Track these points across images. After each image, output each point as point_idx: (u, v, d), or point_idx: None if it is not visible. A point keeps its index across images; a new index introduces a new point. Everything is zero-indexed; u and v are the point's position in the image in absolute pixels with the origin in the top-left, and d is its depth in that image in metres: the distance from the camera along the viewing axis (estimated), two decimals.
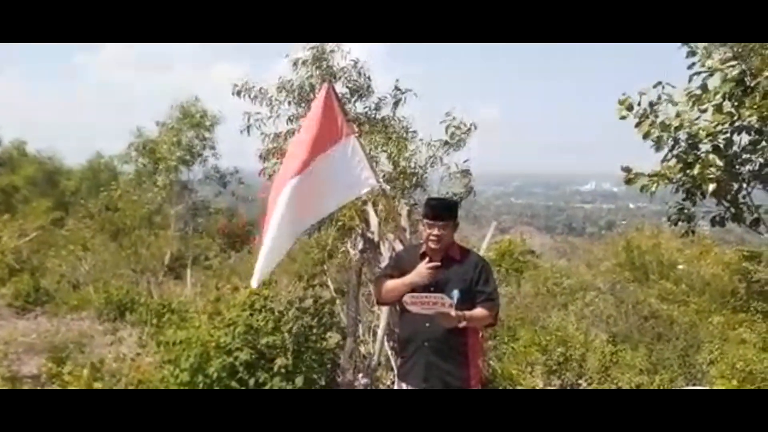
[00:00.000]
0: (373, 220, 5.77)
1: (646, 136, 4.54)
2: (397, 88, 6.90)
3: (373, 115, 6.94)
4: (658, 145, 4.54)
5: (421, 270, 3.48)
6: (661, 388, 7.38)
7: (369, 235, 5.80)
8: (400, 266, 3.73)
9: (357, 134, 4.45)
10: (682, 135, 4.44)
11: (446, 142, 6.07)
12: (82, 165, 22.39)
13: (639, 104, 4.60)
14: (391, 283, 3.64)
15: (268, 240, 4.08)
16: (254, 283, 4.17)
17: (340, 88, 6.86)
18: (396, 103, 6.87)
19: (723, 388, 6.47)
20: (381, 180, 5.23)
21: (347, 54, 7.03)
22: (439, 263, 3.49)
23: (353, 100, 7.05)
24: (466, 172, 6.11)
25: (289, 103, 6.99)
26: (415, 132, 6.77)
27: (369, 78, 7.09)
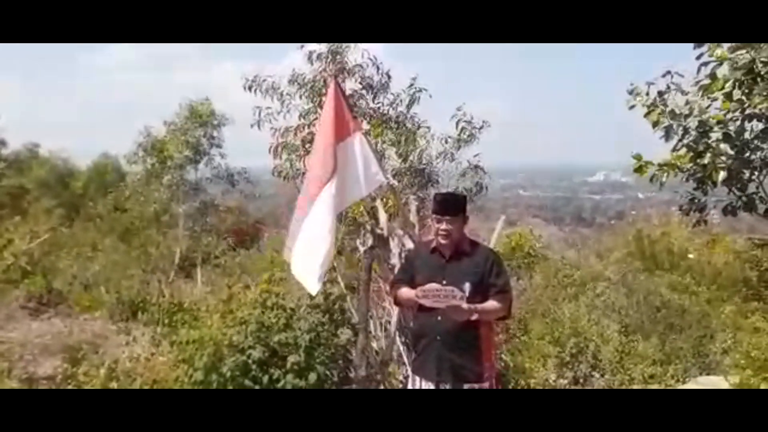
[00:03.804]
0: (382, 216, 5.77)
1: (655, 124, 4.50)
2: (412, 86, 6.80)
3: (386, 111, 6.82)
4: (667, 134, 4.50)
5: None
6: (675, 378, 7.35)
7: (378, 231, 5.80)
8: (411, 267, 3.74)
9: (363, 131, 4.45)
10: (692, 123, 4.39)
11: (457, 138, 5.98)
12: (89, 166, 22.45)
13: (647, 94, 4.56)
14: (403, 293, 3.65)
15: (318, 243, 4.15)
16: (314, 289, 4.29)
17: (353, 84, 6.76)
18: (411, 100, 6.74)
19: (738, 377, 6.42)
20: (389, 176, 5.24)
21: (365, 51, 6.83)
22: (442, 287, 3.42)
23: (369, 96, 6.92)
24: (477, 168, 6.00)
25: (301, 97, 6.88)
26: (428, 128, 6.66)
27: (389, 75, 6.93)
